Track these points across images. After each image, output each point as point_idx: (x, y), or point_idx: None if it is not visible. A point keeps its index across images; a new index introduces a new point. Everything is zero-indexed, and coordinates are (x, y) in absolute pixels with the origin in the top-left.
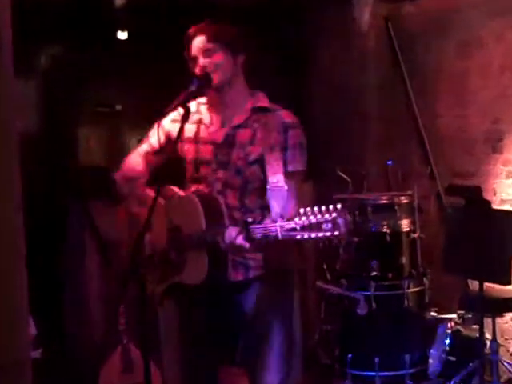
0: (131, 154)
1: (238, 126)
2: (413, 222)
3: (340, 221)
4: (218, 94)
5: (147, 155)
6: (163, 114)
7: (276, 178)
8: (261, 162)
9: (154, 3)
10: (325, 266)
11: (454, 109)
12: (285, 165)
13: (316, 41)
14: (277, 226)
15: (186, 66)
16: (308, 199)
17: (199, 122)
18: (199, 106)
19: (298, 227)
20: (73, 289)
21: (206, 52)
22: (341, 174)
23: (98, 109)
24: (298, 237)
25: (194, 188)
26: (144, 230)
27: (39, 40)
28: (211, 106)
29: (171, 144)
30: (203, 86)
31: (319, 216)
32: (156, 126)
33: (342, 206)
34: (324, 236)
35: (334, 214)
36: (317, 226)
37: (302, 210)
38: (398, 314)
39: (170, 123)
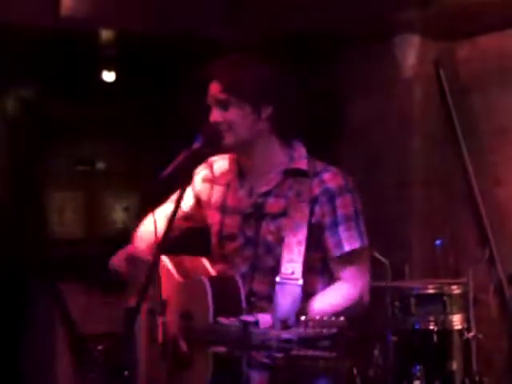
0: (144, 220)
1: (267, 193)
2: (467, 318)
3: (340, 339)
4: (238, 156)
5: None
6: (156, 179)
7: (291, 268)
8: None
9: (150, 39)
10: (355, 372)
11: None
12: (339, 246)
13: (347, 90)
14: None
15: (188, 114)
16: None
17: (229, 184)
18: (233, 162)
19: (294, 339)
20: None
21: (219, 104)
22: (377, 255)
23: (75, 167)
24: (294, 352)
25: (218, 268)
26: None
27: (6, 80)
28: (240, 164)
29: (199, 209)
30: (209, 145)
31: (317, 329)
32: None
33: (344, 320)
34: (316, 356)
35: (334, 330)
36: (312, 341)
37: (303, 318)
38: None
39: (200, 183)
